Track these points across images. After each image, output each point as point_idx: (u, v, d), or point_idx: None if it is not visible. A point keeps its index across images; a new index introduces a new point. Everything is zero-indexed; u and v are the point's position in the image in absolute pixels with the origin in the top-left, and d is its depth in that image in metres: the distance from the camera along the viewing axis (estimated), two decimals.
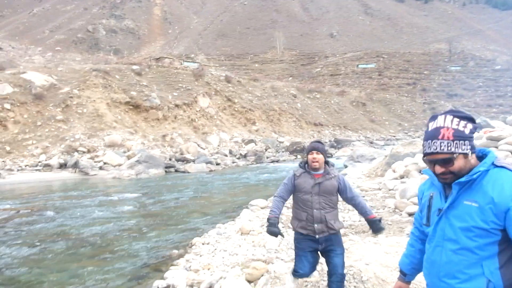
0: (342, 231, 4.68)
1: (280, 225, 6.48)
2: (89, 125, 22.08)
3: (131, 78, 28.66)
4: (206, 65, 50.65)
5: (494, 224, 1.46)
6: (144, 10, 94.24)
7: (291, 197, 3.34)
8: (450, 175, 1.54)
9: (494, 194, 1.45)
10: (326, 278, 3.35)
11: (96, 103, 23.91)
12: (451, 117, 1.53)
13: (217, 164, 21.09)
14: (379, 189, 8.87)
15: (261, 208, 8.17)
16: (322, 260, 3.35)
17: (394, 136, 42.92)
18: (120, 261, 5.98)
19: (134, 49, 76.58)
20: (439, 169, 1.55)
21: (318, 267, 3.68)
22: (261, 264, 4.49)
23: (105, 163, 18.76)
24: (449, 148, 1.50)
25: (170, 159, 20.90)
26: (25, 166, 17.85)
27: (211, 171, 19.28)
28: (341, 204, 5.70)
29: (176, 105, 28.09)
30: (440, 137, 1.52)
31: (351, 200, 3.22)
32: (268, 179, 15.80)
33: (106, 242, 7.01)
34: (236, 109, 33.32)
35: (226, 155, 24.01)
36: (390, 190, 8.52)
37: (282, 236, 3.29)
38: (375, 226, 3.10)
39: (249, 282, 4.24)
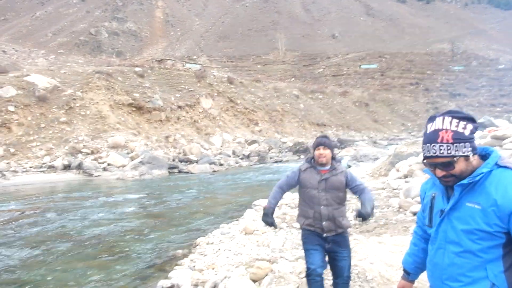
0: None
1: (283, 224, 6.50)
2: (92, 126, 22.17)
3: (133, 80, 28.75)
4: (208, 66, 50.75)
5: (497, 227, 1.41)
6: (146, 13, 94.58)
7: (297, 195, 3.32)
8: (451, 178, 1.49)
9: (498, 196, 1.40)
10: (330, 278, 3.33)
11: (99, 105, 24.00)
12: (450, 118, 1.47)
13: (220, 164, 21.10)
14: (383, 188, 8.85)
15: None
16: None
17: (397, 136, 42.82)
18: (125, 261, 6.00)
19: (137, 51, 76.85)
20: (439, 172, 1.50)
21: None
22: (266, 263, 4.48)
23: (108, 164, 18.82)
24: (448, 152, 1.44)
25: (173, 160, 20.94)
26: (30, 167, 17.94)
27: (214, 171, 19.29)
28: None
29: (179, 107, 28.16)
30: (439, 140, 1.46)
31: (358, 192, 3.07)
32: (271, 179, 15.78)
33: (110, 243, 7.03)
34: (239, 110, 33.36)
35: (229, 156, 24.03)
36: (394, 189, 8.49)
37: (275, 226, 3.20)
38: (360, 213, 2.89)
39: (254, 281, 4.24)
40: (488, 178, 1.46)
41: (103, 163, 19.01)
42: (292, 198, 8.00)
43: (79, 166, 17.96)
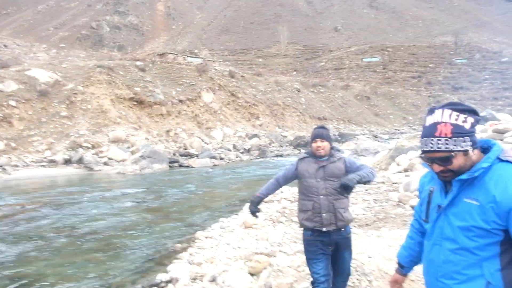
0: None
1: (283, 218, 6.50)
2: (93, 121, 22.17)
3: (135, 74, 28.71)
4: (210, 60, 50.55)
5: (495, 224, 1.36)
6: (148, 6, 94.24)
7: (296, 189, 3.28)
8: (449, 173, 1.44)
9: (497, 193, 1.35)
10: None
11: (100, 99, 23.99)
12: (450, 110, 1.41)
13: (221, 158, 21.10)
14: (383, 182, 8.83)
15: (265, 202, 8.16)
16: None
17: (398, 130, 42.71)
18: (124, 255, 6.02)
19: (138, 45, 76.75)
20: (437, 167, 1.45)
21: None
22: (264, 257, 4.49)
23: (109, 159, 18.84)
24: (446, 146, 1.38)
25: (174, 154, 20.95)
26: (30, 162, 17.98)
27: (215, 165, 19.31)
28: None
29: (180, 101, 28.11)
30: (437, 133, 1.40)
31: (358, 170, 2.87)
32: (272, 173, 15.78)
33: (110, 237, 7.05)
34: (240, 104, 33.29)
35: (230, 150, 24.03)
36: (394, 183, 8.48)
37: (257, 216, 3.15)
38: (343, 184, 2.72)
39: (252, 275, 4.25)
40: (488, 172, 1.40)
41: (103, 157, 19.03)
42: (291, 192, 8.00)
43: (80, 161, 17.99)
